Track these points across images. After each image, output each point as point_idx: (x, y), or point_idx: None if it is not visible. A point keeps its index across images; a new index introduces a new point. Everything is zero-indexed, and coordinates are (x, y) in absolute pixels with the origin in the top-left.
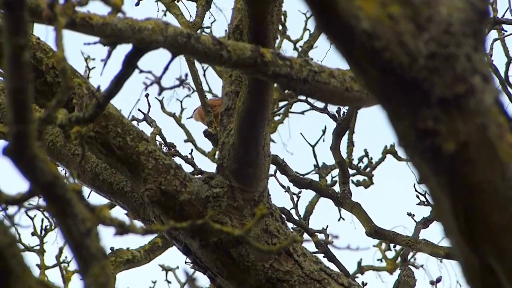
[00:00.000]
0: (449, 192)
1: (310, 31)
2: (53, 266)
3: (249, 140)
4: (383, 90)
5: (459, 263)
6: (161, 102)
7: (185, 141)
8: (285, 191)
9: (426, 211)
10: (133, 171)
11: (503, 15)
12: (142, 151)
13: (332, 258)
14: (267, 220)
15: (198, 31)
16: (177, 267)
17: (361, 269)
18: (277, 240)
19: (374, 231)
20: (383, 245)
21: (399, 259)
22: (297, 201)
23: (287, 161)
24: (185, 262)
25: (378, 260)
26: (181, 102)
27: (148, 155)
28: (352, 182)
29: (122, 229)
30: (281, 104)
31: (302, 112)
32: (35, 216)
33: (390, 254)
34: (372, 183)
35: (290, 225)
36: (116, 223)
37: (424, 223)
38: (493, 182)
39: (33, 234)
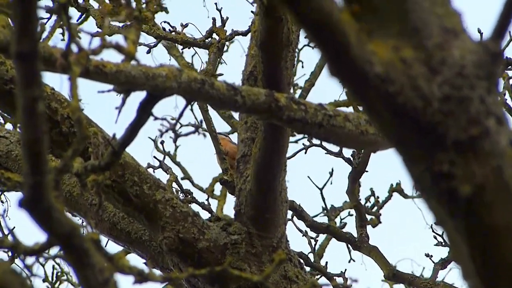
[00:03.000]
0: (466, 235)
1: (302, 62)
2: None
3: (266, 186)
4: (398, 134)
5: None
6: (154, 141)
7: (182, 178)
8: (302, 236)
9: (444, 252)
10: (150, 220)
11: None
12: (159, 199)
13: None
14: (286, 266)
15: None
16: None
17: None
18: (296, 286)
19: (392, 275)
20: None
21: None
22: (315, 245)
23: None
24: None
25: None
26: (193, 133)
27: (165, 203)
28: None
29: (141, 277)
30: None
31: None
32: (46, 262)
33: None
34: (380, 222)
35: (308, 269)
36: (135, 272)
37: (442, 264)
38: (510, 224)
39: (44, 280)
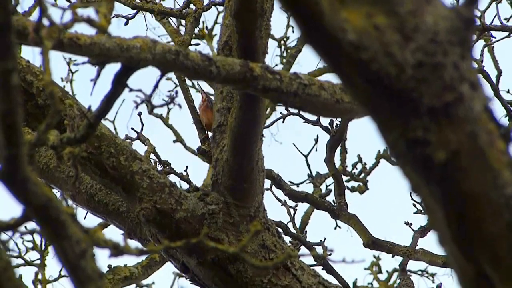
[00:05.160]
0: (441, 201)
1: (293, 27)
2: (54, 280)
3: (243, 156)
4: (372, 101)
5: (455, 272)
6: (148, 105)
7: (174, 141)
8: (281, 205)
9: (423, 220)
10: (128, 191)
11: (492, 22)
12: (136, 171)
13: (330, 270)
14: (263, 235)
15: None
16: None
17: None
18: (275, 254)
19: (371, 242)
20: (375, 268)
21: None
22: (294, 214)
23: (281, 171)
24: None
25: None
26: (168, 103)
27: (142, 174)
28: (347, 188)
29: (117, 251)
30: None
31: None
32: (23, 241)
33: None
34: (367, 189)
35: (287, 239)
36: (111, 245)
37: (422, 231)
38: (485, 190)
39: (33, 248)
